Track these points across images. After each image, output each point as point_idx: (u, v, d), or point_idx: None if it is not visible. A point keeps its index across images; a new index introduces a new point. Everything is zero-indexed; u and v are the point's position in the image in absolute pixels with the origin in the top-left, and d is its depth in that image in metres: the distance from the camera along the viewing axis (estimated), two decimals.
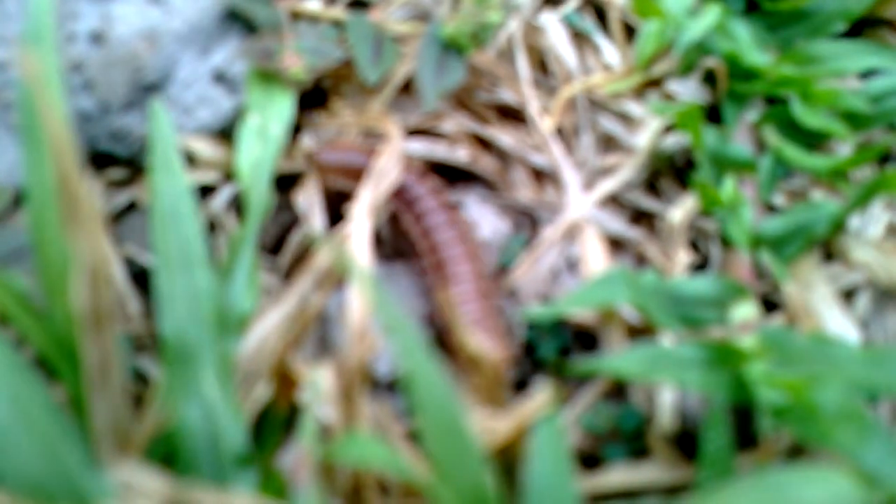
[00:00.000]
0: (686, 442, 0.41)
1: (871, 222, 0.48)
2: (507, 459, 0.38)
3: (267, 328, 0.41)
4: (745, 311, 0.44)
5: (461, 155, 0.52)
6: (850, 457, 0.35)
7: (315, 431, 0.34)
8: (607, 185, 0.50)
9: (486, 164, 0.52)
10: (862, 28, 0.58)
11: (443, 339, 0.46)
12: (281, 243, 0.50)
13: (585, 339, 0.46)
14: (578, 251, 0.48)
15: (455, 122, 0.53)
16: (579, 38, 0.57)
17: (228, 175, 0.50)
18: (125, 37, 0.50)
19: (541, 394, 0.37)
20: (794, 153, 0.50)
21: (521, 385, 0.46)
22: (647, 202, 0.51)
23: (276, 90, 0.51)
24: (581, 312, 0.45)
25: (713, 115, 0.53)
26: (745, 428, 0.40)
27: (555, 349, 0.45)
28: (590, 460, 0.42)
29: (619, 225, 0.50)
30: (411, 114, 0.53)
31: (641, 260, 0.49)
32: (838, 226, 0.47)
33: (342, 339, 0.44)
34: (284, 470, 0.38)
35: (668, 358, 0.39)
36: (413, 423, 0.41)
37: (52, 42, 0.41)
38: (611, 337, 0.44)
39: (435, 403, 0.33)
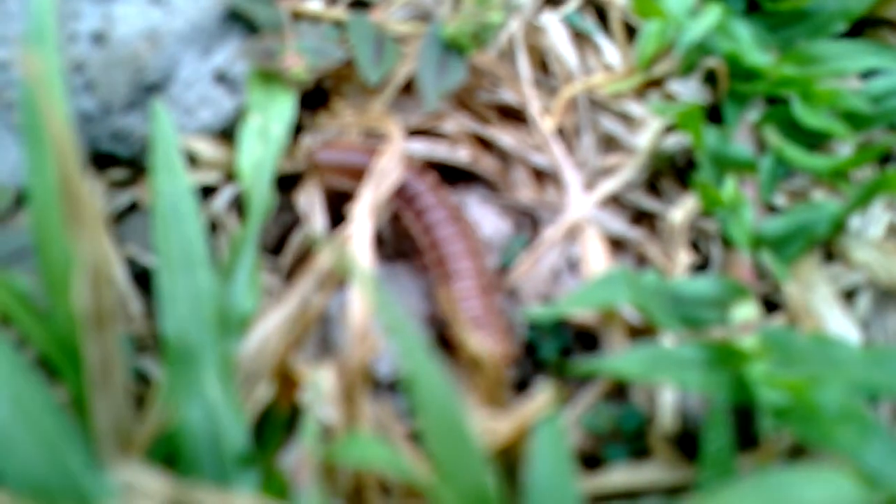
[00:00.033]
0: (687, 442, 0.41)
1: (872, 222, 0.48)
2: (509, 460, 0.38)
3: (268, 329, 0.41)
4: (746, 311, 0.44)
5: (462, 155, 0.52)
6: (851, 457, 0.35)
7: (316, 432, 0.34)
8: (608, 186, 0.50)
9: (487, 165, 0.52)
10: (863, 28, 0.58)
11: (444, 340, 0.46)
12: (282, 244, 0.51)
13: (586, 339, 0.46)
14: (579, 251, 0.48)
15: (456, 123, 0.53)
16: (580, 39, 0.57)
17: (230, 175, 0.50)
18: (127, 37, 0.50)
19: (542, 394, 0.37)
20: (795, 153, 0.50)
21: (522, 385, 0.46)
22: (647, 202, 0.51)
23: (277, 90, 0.51)
24: (582, 313, 0.45)
25: (714, 115, 0.53)
26: (745, 428, 0.40)
27: (556, 349, 0.45)
28: (591, 461, 0.42)
29: (619, 225, 0.50)
30: (412, 114, 0.53)
31: (642, 260, 0.49)
32: (839, 226, 0.47)
33: (343, 340, 0.44)
34: (286, 470, 0.38)
35: (668, 358, 0.39)
36: (414, 424, 0.41)
37: (53, 42, 0.41)
38: (612, 337, 0.44)
39: (436, 404, 0.33)
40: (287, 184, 0.51)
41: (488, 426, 0.38)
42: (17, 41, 0.49)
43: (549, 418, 0.36)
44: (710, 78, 0.54)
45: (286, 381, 0.39)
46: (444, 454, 0.33)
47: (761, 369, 0.39)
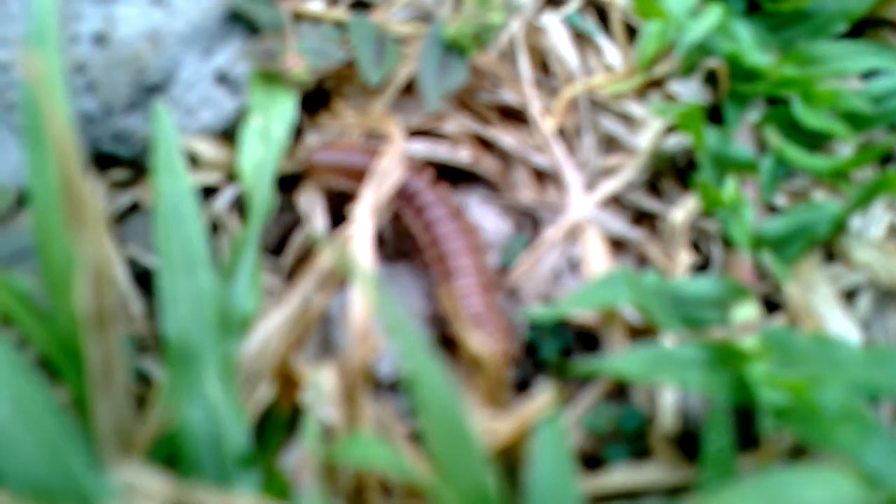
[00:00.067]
0: (687, 442, 0.41)
1: (873, 223, 0.49)
2: (509, 460, 0.38)
3: (269, 329, 0.41)
4: (747, 311, 0.44)
5: (463, 156, 0.52)
6: (852, 457, 0.35)
7: (317, 432, 0.34)
8: (609, 186, 0.51)
9: (487, 165, 0.52)
10: (863, 29, 0.58)
11: (445, 339, 0.46)
12: (283, 244, 0.51)
13: (587, 339, 0.46)
14: (580, 252, 0.48)
15: (457, 123, 0.53)
16: (581, 39, 0.57)
17: (231, 176, 0.50)
18: (128, 38, 0.50)
19: (542, 394, 0.37)
20: (796, 154, 0.50)
21: (522, 386, 0.46)
22: (648, 203, 0.51)
23: (278, 91, 0.51)
24: (583, 313, 0.45)
25: (714, 115, 0.53)
26: (746, 428, 0.40)
27: (556, 350, 0.45)
28: (591, 461, 0.42)
29: (620, 225, 0.50)
30: (413, 115, 0.53)
31: (643, 260, 0.49)
32: (839, 226, 0.47)
33: (344, 340, 0.44)
34: (287, 470, 0.38)
35: (669, 358, 0.39)
36: (415, 424, 0.41)
37: (55, 43, 0.41)
38: (612, 337, 0.44)
39: (437, 404, 0.33)
40: (288, 184, 0.51)
41: (489, 426, 0.38)
42: (18, 42, 0.49)
43: (549, 418, 0.36)
44: (711, 78, 0.54)
45: (287, 381, 0.39)
46: (445, 454, 0.33)
47: (762, 369, 0.39)
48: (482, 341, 0.41)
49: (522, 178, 0.52)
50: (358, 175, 0.48)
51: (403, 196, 0.48)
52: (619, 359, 0.39)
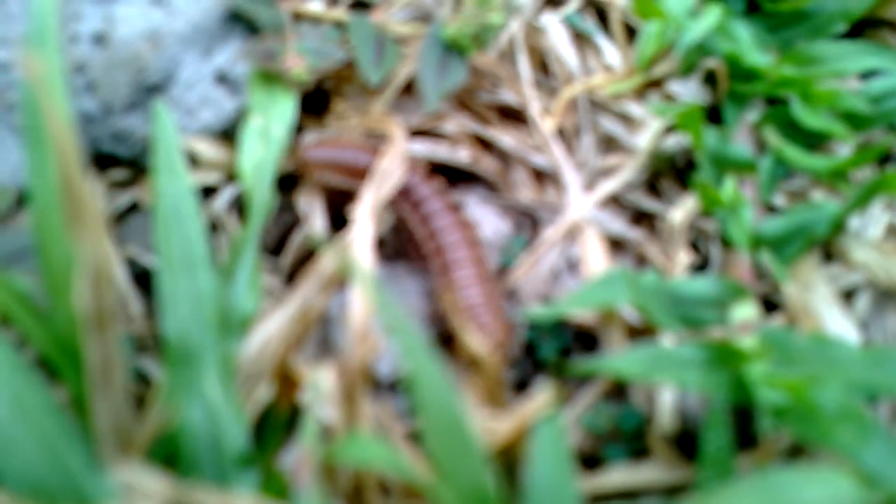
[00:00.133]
0: (686, 442, 0.41)
1: (871, 223, 0.49)
2: (508, 459, 0.38)
3: (269, 329, 0.41)
4: (746, 311, 0.44)
5: (462, 155, 0.52)
6: (850, 457, 0.35)
7: (316, 432, 0.34)
8: (608, 186, 0.51)
9: (487, 165, 0.52)
10: (862, 29, 0.58)
11: (445, 339, 0.46)
12: (283, 244, 0.51)
13: (586, 339, 0.46)
14: (579, 252, 0.48)
15: (456, 123, 0.53)
16: (580, 39, 0.57)
17: (230, 176, 0.50)
18: (128, 38, 0.50)
19: (541, 394, 0.37)
20: (795, 154, 0.50)
21: (521, 385, 0.46)
22: (647, 203, 0.51)
23: (278, 91, 0.51)
24: (581, 313, 0.45)
25: (714, 115, 0.53)
26: (745, 428, 0.40)
27: (555, 350, 0.45)
28: (590, 460, 0.42)
29: (619, 225, 0.50)
30: (413, 115, 0.53)
31: (642, 260, 0.49)
32: (838, 226, 0.48)
33: (344, 340, 0.44)
34: (286, 470, 0.38)
35: (668, 358, 0.39)
36: (414, 424, 0.41)
37: (55, 43, 0.41)
38: (611, 337, 0.44)
39: (436, 404, 0.33)
40: (288, 184, 0.51)
41: (488, 426, 0.38)
42: (18, 42, 0.50)
43: (548, 418, 0.36)
44: (710, 78, 0.54)
45: (286, 381, 0.40)
46: (444, 454, 0.33)
47: (760, 369, 0.39)
48: (481, 340, 0.41)
49: (521, 178, 0.52)
50: (351, 171, 0.49)
51: (401, 191, 0.48)
52: (618, 358, 0.39)
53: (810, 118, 0.50)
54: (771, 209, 0.50)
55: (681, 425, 0.41)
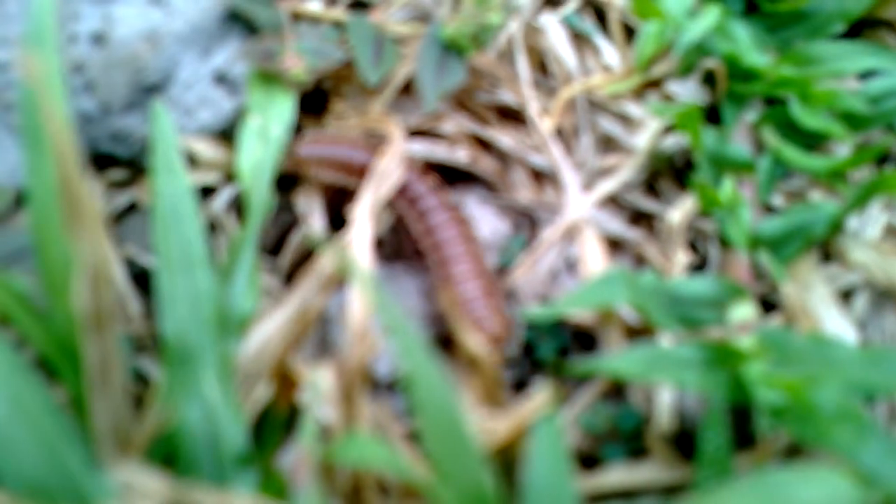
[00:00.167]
0: (684, 442, 0.41)
1: (870, 223, 0.49)
2: (507, 459, 0.38)
3: (268, 329, 0.41)
4: (744, 311, 0.44)
5: (461, 156, 0.52)
6: (848, 457, 0.35)
7: (315, 432, 0.34)
8: (606, 186, 0.51)
9: (485, 165, 0.52)
10: (861, 29, 0.58)
11: (443, 339, 0.46)
12: (281, 244, 0.51)
13: (584, 339, 0.46)
14: (577, 252, 0.48)
15: (455, 123, 0.53)
16: (579, 40, 0.57)
17: (229, 176, 0.50)
18: (126, 38, 0.50)
19: (540, 394, 0.37)
20: (793, 154, 0.50)
21: (520, 385, 0.46)
22: (646, 203, 0.51)
23: (276, 91, 0.51)
24: (580, 313, 0.45)
25: (712, 115, 0.53)
26: (743, 428, 0.40)
27: (554, 349, 0.45)
28: (588, 460, 0.42)
29: (618, 225, 0.50)
30: (411, 115, 0.53)
31: (640, 260, 0.49)
32: (836, 226, 0.48)
33: (342, 340, 0.44)
34: (284, 470, 0.39)
35: (666, 358, 0.39)
36: (413, 424, 0.41)
37: (53, 43, 0.41)
38: (610, 337, 0.44)
39: (435, 404, 0.33)
40: (286, 184, 0.51)
41: (486, 426, 0.38)
42: (16, 42, 0.50)
43: (546, 418, 0.36)
44: (709, 79, 0.54)
45: (285, 381, 0.40)
46: (443, 454, 0.33)
47: (758, 369, 0.39)
48: (479, 339, 0.41)
49: (520, 178, 0.52)
50: (346, 168, 0.49)
51: (398, 188, 0.48)
52: (617, 358, 0.39)
53: (809, 118, 0.50)
54: (769, 209, 0.50)
55: (679, 425, 0.41)
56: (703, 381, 0.39)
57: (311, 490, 0.33)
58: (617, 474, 0.40)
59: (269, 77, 0.51)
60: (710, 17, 0.52)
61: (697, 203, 0.49)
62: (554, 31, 0.56)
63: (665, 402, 0.41)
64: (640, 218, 0.52)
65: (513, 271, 0.48)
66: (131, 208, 0.50)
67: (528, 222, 0.51)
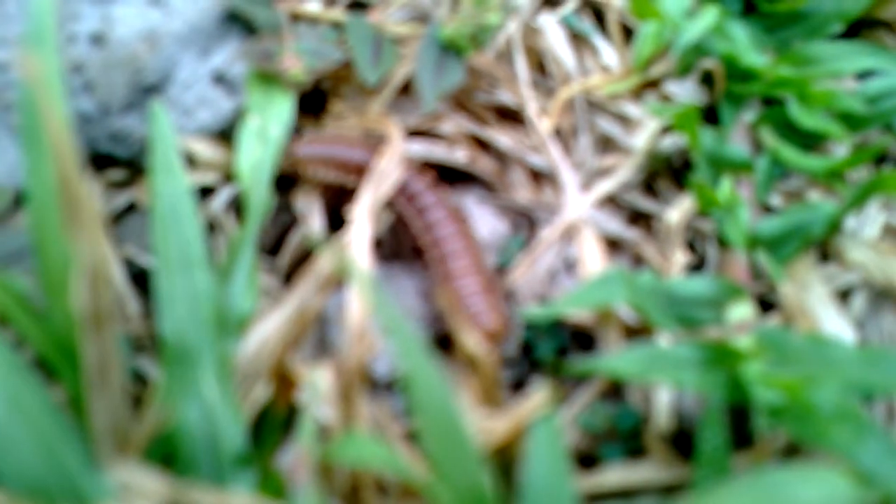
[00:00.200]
0: (682, 441, 0.41)
1: (868, 223, 0.49)
2: (505, 459, 0.38)
3: (266, 329, 0.41)
4: (742, 311, 0.44)
5: (460, 156, 0.52)
6: (846, 456, 0.35)
7: (314, 431, 0.34)
8: (605, 186, 0.51)
9: (484, 165, 0.52)
10: (859, 29, 0.58)
11: (442, 339, 0.46)
12: (280, 244, 0.51)
13: (583, 339, 0.46)
14: (576, 252, 0.48)
15: (454, 123, 0.53)
16: (577, 40, 0.57)
17: (228, 176, 0.50)
18: (125, 38, 0.50)
19: (538, 394, 0.37)
20: (791, 154, 0.50)
21: (518, 385, 0.46)
22: (644, 203, 0.51)
23: (275, 91, 0.51)
24: (578, 313, 0.45)
25: (710, 116, 0.53)
26: (741, 427, 0.40)
27: (552, 349, 0.45)
28: (587, 460, 0.42)
29: (616, 225, 0.50)
30: (410, 115, 0.53)
31: (639, 260, 0.49)
32: (834, 226, 0.48)
33: (341, 340, 0.44)
34: (283, 470, 0.39)
35: (664, 358, 0.39)
36: (411, 424, 0.41)
37: (52, 43, 0.41)
38: (608, 337, 0.44)
39: (433, 403, 0.33)
40: (285, 185, 0.51)
41: (485, 425, 0.38)
42: (16, 43, 0.50)
43: (545, 418, 0.36)
44: (707, 79, 0.54)
45: (284, 381, 0.40)
46: (441, 453, 0.33)
47: (756, 369, 0.39)
48: (478, 339, 0.41)
49: (519, 178, 0.52)
50: (343, 166, 0.49)
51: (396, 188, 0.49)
52: (615, 358, 0.40)
53: (807, 118, 0.50)
54: (767, 209, 0.50)
55: (677, 425, 0.42)
56: (702, 380, 0.39)
57: (310, 490, 0.33)
58: (615, 474, 0.41)
59: (268, 77, 0.51)
60: (708, 17, 0.52)
61: (696, 203, 0.49)
62: (552, 31, 0.56)
63: (663, 402, 0.41)
64: (639, 218, 0.52)
65: (511, 271, 0.48)
66: (130, 208, 0.50)
67: (526, 222, 0.52)
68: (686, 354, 0.39)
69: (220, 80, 0.52)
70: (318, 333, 0.47)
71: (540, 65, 0.57)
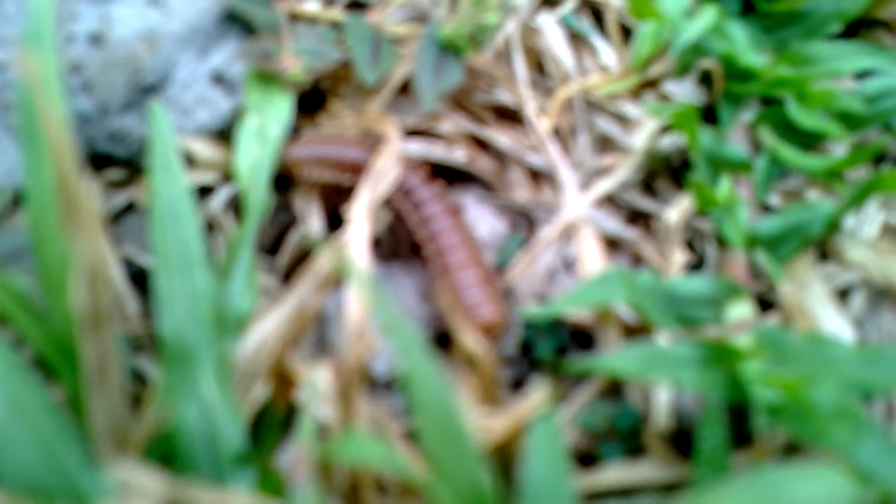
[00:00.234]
0: (682, 440, 0.42)
1: (866, 222, 0.49)
2: (505, 458, 0.38)
3: (265, 329, 0.41)
4: (741, 310, 0.44)
5: (459, 155, 0.52)
6: (845, 455, 0.35)
7: (313, 430, 0.34)
8: (604, 186, 0.51)
9: (483, 165, 0.52)
10: (857, 29, 0.58)
11: (441, 338, 0.46)
12: (279, 244, 0.51)
13: (582, 338, 0.46)
14: (575, 251, 0.48)
15: (453, 123, 0.53)
16: (576, 40, 0.57)
17: (227, 176, 0.50)
18: (124, 38, 0.50)
19: (537, 392, 0.37)
20: (790, 153, 0.50)
21: (517, 384, 0.46)
22: (643, 202, 0.51)
23: (274, 91, 0.51)
24: (578, 312, 0.45)
25: (709, 115, 0.53)
26: (740, 426, 0.40)
27: (551, 348, 0.45)
28: (586, 459, 0.42)
29: (615, 225, 0.50)
30: (409, 115, 0.53)
31: (638, 260, 0.49)
32: (833, 226, 0.48)
33: (340, 339, 0.44)
34: (282, 469, 0.39)
35: (664, 357, 0.39)
36: (411, 423, 0.41)
37: (51, 43, 0.41)
38: (607, 336, 0.44)
39: (433, 402, 0.33)
40: (284, 184, 0.51)
41: (484, 424, 0.38)
42: (14, 43, 0.50)
43: (544, 416, 0.36)
44: (706, 79, 0.54)
45: (283, 380, 0.40)
46: (441, 452, 0.33)
47: (756, 368, 0.39)
48: (477, 337, 0.41)
49: (518, 177, 0.52)
50: (338, 165, 0.49)
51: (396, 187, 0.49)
52: (614, 357, 0.40)
53: (805, 118, 0.51)
54: (766, 209, 0.50)
55: (676, 423, 0.42)
56: (701, 379, 0.39)
57: (309, 489, 0.33)
58: (614, 473, 0.41)
59: (267, 77, 0.51)
60: (706, 17, 0.52)
61: (694, 202, 0.49)
62: (551, 31, 0.56)
63: (663, 401, 0.41)
64: (638, 217, 0.52)
65: (510, 270, 0.48)
66: (129, 208, 0.50)
67: (525, 222, 0.52)
68: (685, 353, 0.39)
69: (219, 79, 0.52)
70: (317, 333, 0.46)
71: (539, 65, 0.57)
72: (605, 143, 0.53)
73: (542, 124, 0.53)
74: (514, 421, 0.37)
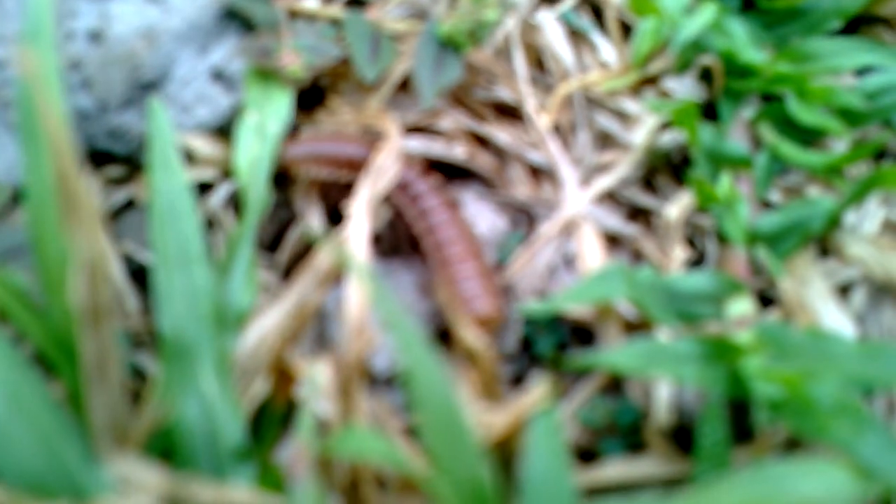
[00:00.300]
0: (682, 436, 0.41)
1: (867, 218, 0.49)
2: (505, 453, 0.38)
3: (265, 325, 0.41)
4: (742, 306, 0.44)
5: (458, 152, 0.52)
6: (846, 450, 0.35)
7: (313, 426, 0.34)
8: (604, 182, 0.51)
9: (483, 162, 0.52)
10: (858, 25, 0.58)
11: (441, 334, 0.46)
12: (279, 240, 0.51)
13: (582, 334, 0.46)
14: (575, 247, 0.48)
15: (452, 120, 0.53)
16: (576, 36, 0.57)
17: (227, 172, 0.50)
18: (123, 35, 0.50)
19: (538, 388, 0.37)
20: (790, 150, 0.50)
21: (518, 380, 0.46)
22: (643, 199, 0.51)
23: (274, 88, 0.51)
24: (578, 308, 0.45)
25: (709, 112, 0.53)
26: (741, 422, 0.40)
27: (552, 344, 0.45)
28: (586, 454, 0.42)
29: (615, 221, 0.50)
30: (409, 111, 0.53)
31: (638, 256, 0.49)
32: (834, 222, 0.48)
33: (340, 335, 0.44)
34: (282, 464, 0.39)
35: (664, 353, 0.39)
36: (411, 418, 0.41)
37: (50, 40, 0.41)
38: (607, 332, 0.44)
39: (433, 398, 0.33)
40: (284, 181, 0.51)
41: (485, 420, 0.38)
42: (14, 39, 0.49)
43: (544, 412, 0.36)
44: (706, 75, 0.54)
45: (283, 375, 0.40)
46: (441, 448, 0.33)
47: (756, 363, 0.39)
48: (477, 333, 0.41)
49: (518, 174, 0.52)
50: (336, 161, 0.49)
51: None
52: (615, 353, 0.39)
53: (806, 114, 0.50)
54: (767, 205, 0.50)
55: (677, 419, 0.41)
56: (702, 375, 0.39)
57: (309, 484, 0.33)
58: (615, 468, 0.41)
59: (267, 74, 0.51)
60: (706, 13, 0.52)
61: (695, 199, 0.49)
62: (551, 27, 0.56)
63: (663, 397, 0.41)
64: (638, 214, 0.52)
65: (510, 267, 0.48)
66: (129, 205, 0.50)
67: (525, 218, 0.51)
68: (686, 349, 0.39)
69: (219, 76, 0.52)
70: (317, 328, 0.46)
71: (538, 61, 0.57)
72: (605, 140, 0.53)
73: (542, 121, 0.53)
74: (515, 417, 0.37)
